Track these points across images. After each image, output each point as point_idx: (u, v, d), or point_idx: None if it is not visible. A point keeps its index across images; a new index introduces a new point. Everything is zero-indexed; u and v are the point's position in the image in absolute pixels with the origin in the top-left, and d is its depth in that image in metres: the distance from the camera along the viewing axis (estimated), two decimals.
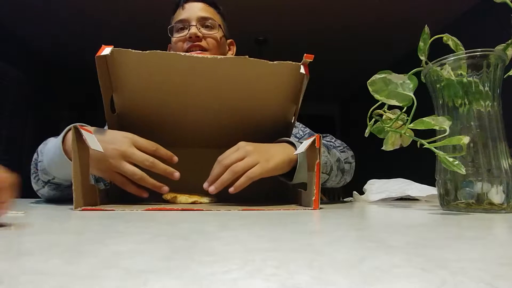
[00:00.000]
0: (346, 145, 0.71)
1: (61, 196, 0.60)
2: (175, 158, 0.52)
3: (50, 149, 0.53)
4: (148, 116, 0.60)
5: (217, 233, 0.23)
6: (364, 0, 2.42)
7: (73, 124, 0.46)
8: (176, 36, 0.81)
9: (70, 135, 0.50)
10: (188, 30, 0.78)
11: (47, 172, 0.54)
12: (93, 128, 0.53)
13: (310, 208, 0.47)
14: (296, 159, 0.56)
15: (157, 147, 0.51)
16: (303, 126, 0.88)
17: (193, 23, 0.79)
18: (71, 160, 0.49)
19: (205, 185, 0.51)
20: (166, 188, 0.51)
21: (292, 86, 0.59)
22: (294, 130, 0.86)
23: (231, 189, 0.50)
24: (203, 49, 0.79)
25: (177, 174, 0.51)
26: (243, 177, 0.50)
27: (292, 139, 0.59)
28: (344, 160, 0.67)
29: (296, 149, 0.57)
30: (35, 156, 0.59)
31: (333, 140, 0.70)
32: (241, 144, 0.54)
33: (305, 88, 0.58)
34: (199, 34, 0.78)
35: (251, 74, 0.56)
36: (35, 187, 0.60)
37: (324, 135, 0.73)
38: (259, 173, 0.50)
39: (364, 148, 3.64)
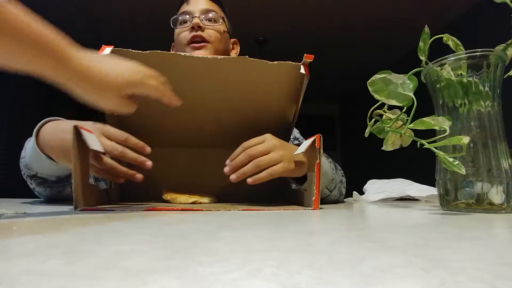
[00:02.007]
0: (343, 171, 0.72)
1: (52, 194, 0.60)
2: (148, 149, 0.50)
3: (30, 145, 0.54)
4: (148, 116, 0.60)
5: (217, 233, 0.23)
6: (364, 0, 2.42)
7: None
8: (179, 27, 0.81)
9: (44, 130, 0.51)
10: (191, 22, 0.78)
11: (29, 167, 0.55)
12: (61, 120, 0.53)
13: (310, 208, 0.47)
14: None
15: (127, 136, 0.49)
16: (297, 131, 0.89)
17: (197, 14, 0.79)
18: (44, 155, 0.50)
19: (226, 169, 0.52)
20: (139, 176, 0.50)
21: (292, 86, 0.59)
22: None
23: (249, 180, 0.50)
24: (205, 41, 0.78)
25: (149, 163, 0.49)
26: (265, 173, 0.50)
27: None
28: (343, 183, 0.68)
29: None
30: (22, 152, 0.59)
31: (335, 163, 0.71)
32: (268, 137, 0.54)
33: (305, 88, 0.58)
34: (201, 24, 0.78)
35: (251, 74, 0.56)
36: (27, 181, 0.60)
37: (325, 155, 0.74)
38: (281, 172, 0.51)
39: (364, 148, 3.64)
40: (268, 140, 0.53)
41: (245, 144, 0.53)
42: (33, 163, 0.54)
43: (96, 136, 0.47)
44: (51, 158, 0.51)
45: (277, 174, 0.51)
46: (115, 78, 0.41)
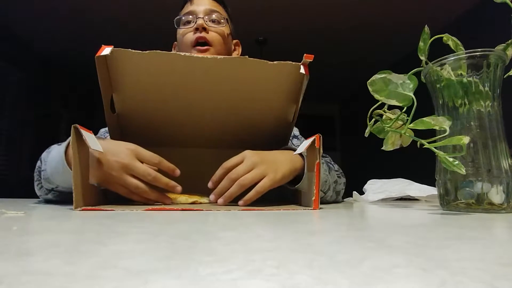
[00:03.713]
0: (341, 171, 0.72)
1: (64, 200, 0.60)
2: (177, 172, 0.52)
3: (53, 158, 0.52)
4: (147, 116, 0.60)
5: (217, 233, 0.23)
6: (364, 0, 2.42)
7: (72, 125, 0.45)
8: (182, 28, 0.81)
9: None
10: (195, 22, 0.78)
11: (50, 181, 0.54)
12: (97, 137, 0.53)
13: (310, 208, 0.47)
14: (300, 168, 0.56)
15: (160, 160, 0.51)
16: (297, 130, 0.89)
17: (201, 15, 0.79)
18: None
19: (211, 197, 0.52)
20: (169, 200, 0.52)
21: (292, 86, 0.59)
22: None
23: (240, 202, 0.50)
24: (208, 43, 0.78)
25: (179, 188, 0.51)
26: (253, 192, 0.50)
27: (293, 146, 0.60)
28: (339, 183, 0.68)
29: (301, 157, 0.57)
30: (38, 163, 0.58)
31: (332, 163, 0.71)
32: (247, 154, 0.53)
33: (305, 88, 0.58)
34: (205, 25, 0.78)
35: (251, 74, 0.56)
36: (38, 193, 0.59)
37: (324, 155, 0.74)
38: (269, 186, 0.51)
39: (364, 148, 3.64)
40: (248, 158, 0.52)
41: (225, 164, 0.52)
42: (56, 177, 0.53)
43: (129, 160, 0.48)
44: None
45: (266, 189, 0.51)
46: None
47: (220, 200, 0.51)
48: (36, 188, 0.59)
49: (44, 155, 0.58)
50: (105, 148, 0.48)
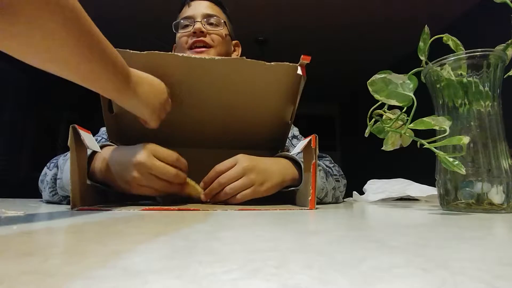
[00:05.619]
0: (342, 173, 0.72)
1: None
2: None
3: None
4: None
5: (217, 233, 0.23)
6: (364, 0, 2.42)
7: (71, 125, 0.45)
8: (180, 32, 0.81)
9: (97, 161, 0.50)
10: (193, 26, 0.79)
11: (66, 190, 0.54)
12: (113, 146, 0.53)
13: (306, 208, 0.47)
14: (291, 179, 0.57)
15: (178, 156, 0.50)
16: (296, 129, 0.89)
17: (198, 19, 0.79)
18: (94, 182, 0.50)
19: (202, 196, 0.54)
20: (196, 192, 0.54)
21: (289, 87, 0.59)
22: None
23: (223, 203, 0.54)
24: (207, 45, 0.78)
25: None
26: (234, 199, 0.53)
27: (293, 155, 0.60)
28: (337, 188, 0.69)
29: (298, 167, 0.58)
30: (54, 170, 0.57)
31: (331, 165, 0.71)
32: (240, 159, 0.54)
33: (302, 89, 0.58)
34: (203, 29, 0.78)
35: (249, 75, 0.56)
36: (49, 198, 0.58)
37: (324, 155, 0.74)
38: (250, 197, 0.53)
39: (364, 148, 3.64)
40: (240, 163, 0.53)
41: (217, 167, 0.54)
42: None
43: (146, 158, 0.46)
44: (97, 182, 0.50)
45: (245, 199, 0.53)
46: (155, 100, 0.48)
47: (210, 201, 0.55)
48: (48, 194, 0.57)
49: (60, 162, 0.57)
50: (125, 151, 0.49)
